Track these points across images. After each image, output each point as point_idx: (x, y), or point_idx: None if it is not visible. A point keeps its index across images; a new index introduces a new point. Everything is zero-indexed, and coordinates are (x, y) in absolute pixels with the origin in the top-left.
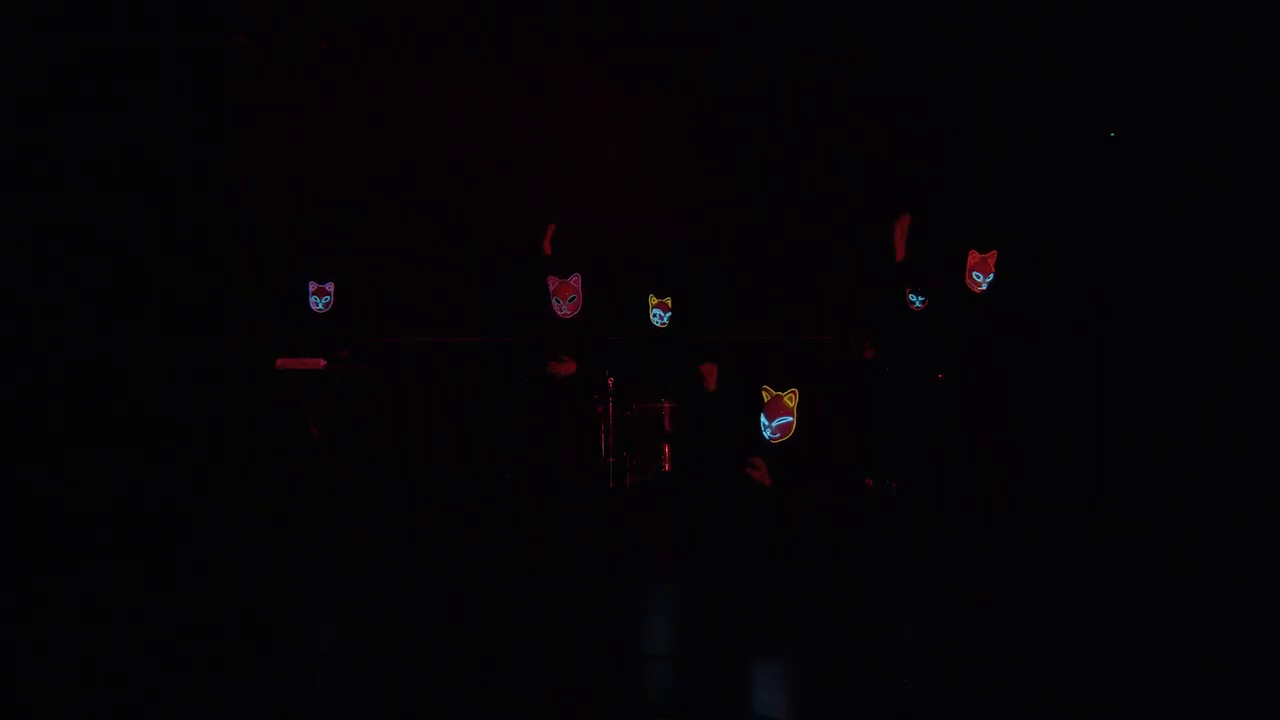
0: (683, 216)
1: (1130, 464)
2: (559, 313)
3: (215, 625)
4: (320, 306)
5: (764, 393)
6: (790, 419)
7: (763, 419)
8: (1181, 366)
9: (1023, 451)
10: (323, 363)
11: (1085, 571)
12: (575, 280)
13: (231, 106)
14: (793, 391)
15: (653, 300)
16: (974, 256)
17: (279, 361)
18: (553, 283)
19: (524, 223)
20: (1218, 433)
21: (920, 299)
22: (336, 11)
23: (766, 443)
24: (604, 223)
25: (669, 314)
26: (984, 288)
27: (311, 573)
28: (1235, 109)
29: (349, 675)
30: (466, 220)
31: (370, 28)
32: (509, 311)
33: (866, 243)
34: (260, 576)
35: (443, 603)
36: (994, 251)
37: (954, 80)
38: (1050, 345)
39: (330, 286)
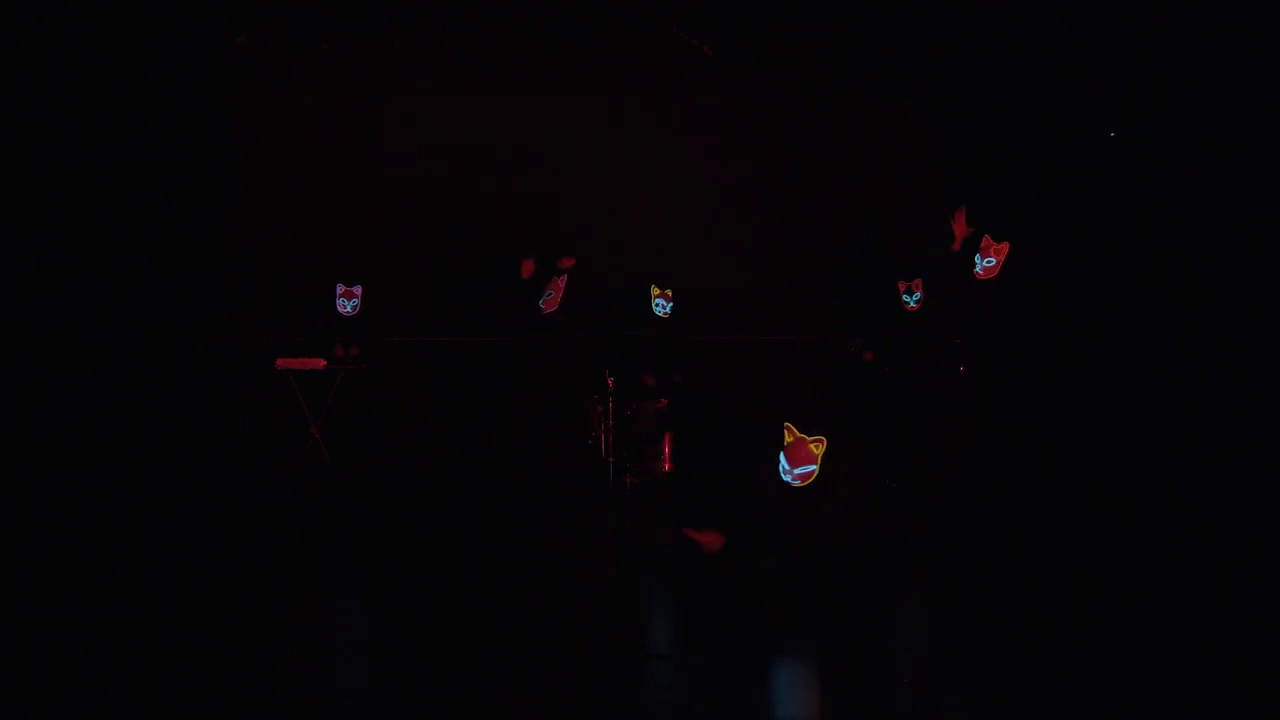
0: (685, 215)
1: (1131, 462)
2: (541, 304)
3: (215, 625)
4: (349, 309)
5: (786, 432)
6: (814, 468)
7: (783, 461)
8: (1183, 366)
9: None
10: (323, 363)
11: (1084, 571)
12: (561, 281)
13: (232, 107)
14: (820, 439)
15: (655, 291)
16: (987, 239)
17: (279, 361)
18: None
19: (525, 222)
20: (1218, 432)
21: (914, 299)
22: (337, 11)
23: (783, 485)
24: (605, 220)
25: (670, 304)
26: (979, 270)
27: (311, 573)
28: (1236, 109)
29: (349, 675)
30: (466, 220)
31: (369, 29)
32: (497, 310)
33: (866, 242)
34: (260, 576)
35: (442, 603)
36: (1006, 244)
37: (955, 80)
38: (1049, 343)
39: (358, 289)
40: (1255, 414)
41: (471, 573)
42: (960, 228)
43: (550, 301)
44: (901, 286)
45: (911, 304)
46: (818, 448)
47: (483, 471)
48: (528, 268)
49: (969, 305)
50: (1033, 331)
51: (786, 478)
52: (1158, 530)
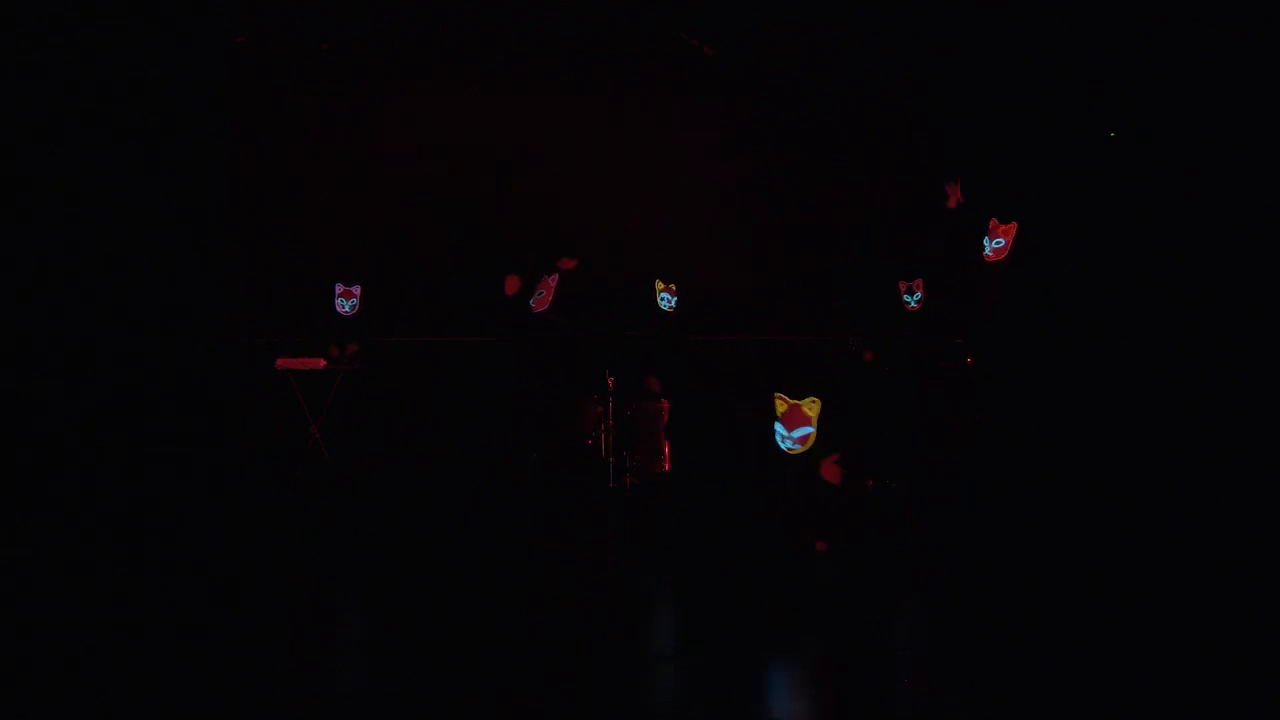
0: (685, 215)
1: (1131, 462)
2: (532, 303)
3: (215, 625)
4: (348, 309)
5: (778, 401)
6: (811, 430)
7: (779, 429)
8: (1182, 366)
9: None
10: (323, 363)
11: (1084, 571)
12: (552, 280)
13: (232, 107)
14: (812, 400)
15: (659, 285)
16: (994, 222)
17: (279, 361)
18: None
19: (525, 222)
20: (1219, 432)
21: (915, 299)
22: (337, 11)
23: (782, 453)
24: (605, 220)
25: (675, 298)
26: (988, 252)
27: (311, 573)
28: (1236, 109)
29: (349, 675)
30: (466, 220)
31: (369, 29)
32: (496, 310)
33: (866, 242)
34: (260, 576)
35: (442, 603)
36: (1014, 224)
37: (955, 80)
38: (1049, 344)
39: (357, 289)
40: (1255, 414)
41: (471, 573)
42: (955, 193)
43: (541, 300)
44: (902, 286)
45: (912, 304)
46: (812, 408)
47: (482, 471)
48: (512, 284)
49: (970, 305)
50: (1032, 332)
51: (785, 444)
52: (1158, 530)
